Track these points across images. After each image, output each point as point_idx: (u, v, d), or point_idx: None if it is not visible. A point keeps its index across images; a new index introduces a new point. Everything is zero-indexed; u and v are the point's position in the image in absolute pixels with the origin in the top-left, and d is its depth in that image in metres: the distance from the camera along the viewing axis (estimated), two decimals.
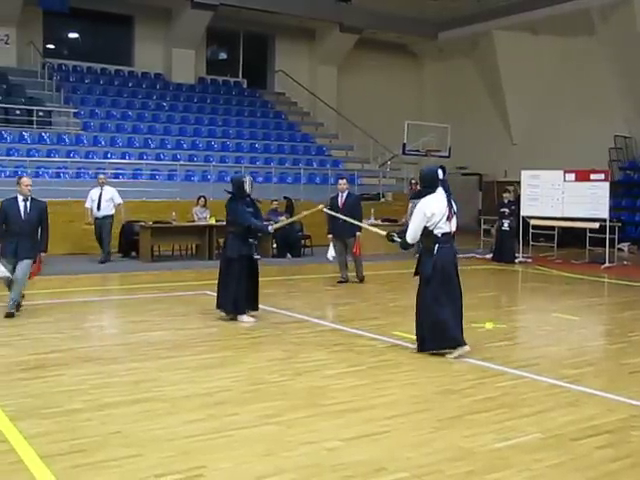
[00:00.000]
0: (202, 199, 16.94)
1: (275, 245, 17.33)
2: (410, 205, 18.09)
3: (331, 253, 12.83)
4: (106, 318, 9.30)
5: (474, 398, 5.94)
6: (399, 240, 7.88)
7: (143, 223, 15.89)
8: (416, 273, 7.56)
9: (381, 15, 27.19)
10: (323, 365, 6.96)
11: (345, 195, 12.95)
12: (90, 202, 15.51)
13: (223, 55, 29.58)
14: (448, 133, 23.81)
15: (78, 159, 19.32)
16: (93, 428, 5.05)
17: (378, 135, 25.20)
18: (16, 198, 9.23)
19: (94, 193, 15.53)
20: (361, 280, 12.99)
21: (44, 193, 16.86)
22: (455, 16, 27.22)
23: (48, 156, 19.07)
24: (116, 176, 18.95)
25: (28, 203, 9.22)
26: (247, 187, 9.21)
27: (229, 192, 9.36)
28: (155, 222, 15.98)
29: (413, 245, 7.86)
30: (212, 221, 16.08)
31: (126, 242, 16.56)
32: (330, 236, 12.90)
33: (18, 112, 19.96)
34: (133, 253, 16.34)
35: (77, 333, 8.31)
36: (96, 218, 15.42)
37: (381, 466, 4.46)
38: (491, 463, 4.56)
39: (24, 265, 9.06)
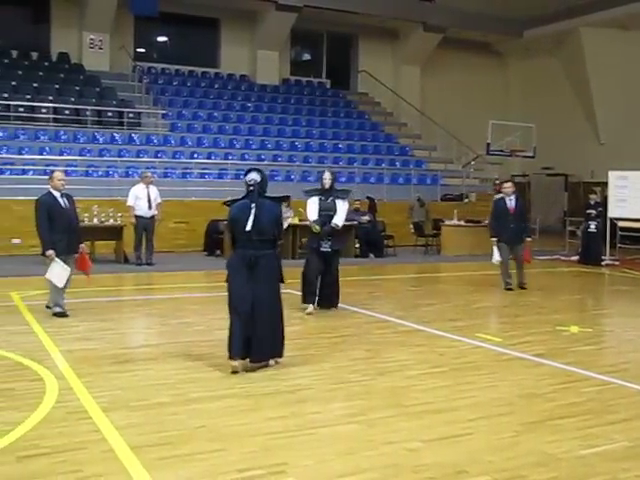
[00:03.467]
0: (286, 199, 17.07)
1: (358, 245, 17.37)
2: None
3: (496, 257, 12.08)
4: (192, 315, 9.50)
5: (558, 403, 5.84)
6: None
7: (227, 222, 16.12)
8: None
9: (465, 14, 26.94)
10: (405, 365, 6.96)
11: (514, 198, 12.24)
12: (134, 200, 14.61)
13: (307, 56, 29.81)
14: (533, 133, 23.39)
15: (166, 159, 19.83)
16: (179, 422, 5.19)
17: (461, 135, 24.96)
18: (51, 193, 9.03)
19: (139, 191, 14.66)
20: (523, 287, 12.23)
21: None
22: (541, 13, 26.71)
23: (137, 156, 19.63)
24: (202, 176, 19.38)
25: (64, 198, 9.10)
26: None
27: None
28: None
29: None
30: (295, 220, 16.22)
31: (211, 240, 16.88)
32: (494, 239, 12.19)
33: (110, 114, 20.63)
34: (217, 251, 16.64)
35: (165, 329, 8.53)
36: (141, 217, 14.57)
37: (462, 469, 4.44)
38: (576, 470, 4.48)
39: (72, 260, 9.07)
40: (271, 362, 6.74)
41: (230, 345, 6.52)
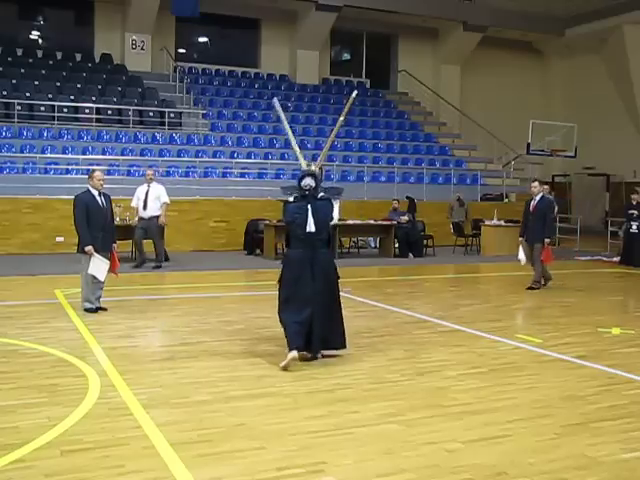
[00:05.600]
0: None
1: (397, 245, 17.34)
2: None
3: (521, 256, 12.21)
4: (232, 313, 9.56)
5: (599, 405, 5.77)
6: None
7: (267, 221, 16.22)
8: None
9: (506, 12, 26.76)
10: (444, 366, 6.94)
11: (538, 198, 12.19)
12: (136, 201, 14.06)
13: (346, 56, 29.83)
14: (574, 132, 23.11)
15: (206, 159, 19.99)
16: (219, 419, 5.24)
17: (502, 135, 24.77)
18: (89, 192, 9.19)
19: (140, 191, 14.04)
20: (531, 286, 12.15)
21: (174, 192, 17.66)
22: (583, 11, 26.41)
23: (178, 156, 19.83)
24: (242, 175, 19.51)
25: (102, 196, 9.26)
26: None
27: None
28: (279, 220, 16.29)
29: None
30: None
31: (251, 240, 16.97)
32: (521, 239, 12.33)
33: (151, 114, 20.88)
34: (257, 250, 16.74)
35: (205, 327, 8.60)
36: (141, 218, 13.92)
37: (502, 470, 4.42)
38: (618, 474, 4.42)
39: (106, 258, 9.20)
40: (323, 353, 7.06)
41: (292, 337, 6.75)
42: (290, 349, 6.71)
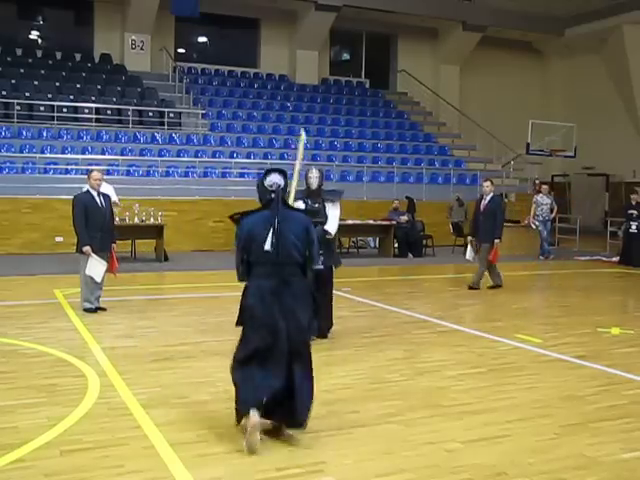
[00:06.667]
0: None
1: (396, 245, 17.35)
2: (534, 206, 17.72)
3: (470, 254, 12.36)
4: (231, 313, 9.52)
5: (598, 405, 5.77)
6: None
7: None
8: None
9: (505, 12, 26.78)
10: (443, 366, 6.94)
11: (489, 198, 12.19)
12: None
13: (346, 56, 29.84)
14: (574, 132, 23.11)
15: (205, 159, 19.98)
16: (218, 420, 5.23)
17: (501, 135, 24.77)
18: (88, 192, 9.23)
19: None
20: (495, 287, 12.19)
21: (173, 192, 17.69)
22: (583, 11, 26.42)
23: (178, 156, 19.83)
24: (241, 175, 19.50)
25: (101, 197, 9.27)
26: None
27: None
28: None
29: None
30: None
31: None
32: (470, 238, 12.46)
33: (151, 114, 20.87)
34: None
35: (204, 327, 8.60)
36: None
37: (501, 470, 4.42)
38: (618, 474, 4.43)
39: (105, 258, 9.21)
40: None
41: (243, 397, 4.81)
42: (242, 410, 4.76)
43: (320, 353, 7.31)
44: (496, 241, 11.94)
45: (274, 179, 5.04)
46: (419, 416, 5.41)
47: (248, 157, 20.65)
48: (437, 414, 5.47)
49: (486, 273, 12.18)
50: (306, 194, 7.95)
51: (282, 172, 5.11)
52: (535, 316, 10.28)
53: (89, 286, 9.20)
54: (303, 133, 5.99)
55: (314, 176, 8.00)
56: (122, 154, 18.98)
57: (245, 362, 4.86)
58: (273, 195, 4.98)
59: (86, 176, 9.61)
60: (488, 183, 12.33)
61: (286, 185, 5.11)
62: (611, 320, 9.50)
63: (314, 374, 4.97)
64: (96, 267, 9.08)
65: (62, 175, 17.43)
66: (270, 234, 4.86)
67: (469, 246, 12.43)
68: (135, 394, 5.77)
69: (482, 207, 12.16)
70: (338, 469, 4.41)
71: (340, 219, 8.26)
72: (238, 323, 5.03)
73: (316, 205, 7.94)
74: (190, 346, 7.57)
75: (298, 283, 4.93)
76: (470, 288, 12.04)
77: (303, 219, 5.09)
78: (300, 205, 7.61)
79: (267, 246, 4.85)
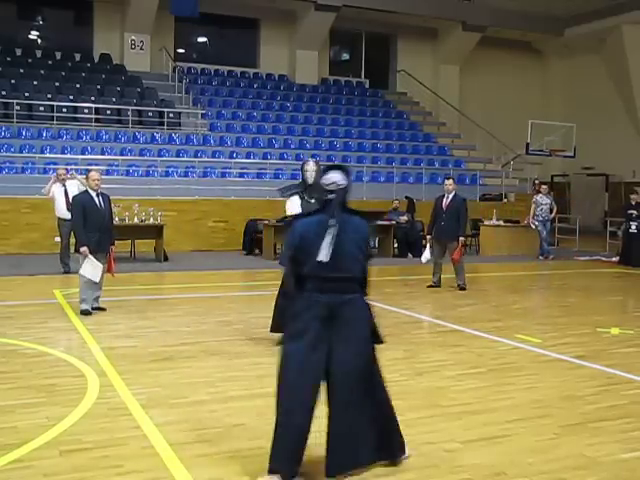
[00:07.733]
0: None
1: (396, 245, 17.35)
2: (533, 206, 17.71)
3: (426, 256, 12.22)
4: (231, 313, 9.55)
5: (598, 405, 5.77)
6: None
7: (266, 221, 16.20)
8: None
9: (505, 12, 26.78)
10: (443, 366, 6.93)
11: (451, 196, 12.17)
12: (52, 195, 13.03)
13: (345, 56, 29.84)
14: (573, 132, 23.11)
15: (205, 159, 19.99)
16: (218, 420, 5.23)
17: (501, 135, 24.78)
18: (87, 192, 9.24)
19: (57, 192, 12.94)
20: (462, 289, 11.99)
21: (173, 192, 17.69)
22: (582, 11, 26.43)
23: (177, 156, 19.84)
24: (241, 175, 19.52)
25: (100, 197, 9.24)
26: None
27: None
28: (278, 220, 16.29)
29: None
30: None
31: (250, 240, 16.97)
32: (429, 237, 12.45)
33: (150, 114, 20.88)
34: (256, 250, 16.73)
35: (204, 327, 8.60)
36: (62, 219, 12.80)
37: (501, 470, 4.42)
38: (617, 474, 4.42)
39: (103, 259, 9.22)
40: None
41: (277, 452, 4.21)
42: (270, 470, 4.16)
43: None
44: (461, 239, 11.98)
45: (334, 177, 4.30)
46: (418, 416, 5.40)
47: (248, 157, 20.66)
48: (436, 414, 5.46)
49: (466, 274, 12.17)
50: (302, 188, 7.38)
51: (345, 170, 4.38)
52: (535, 316, 10.27)
53: (89, 286, 9.17)
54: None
55: (311, 169, 7.30)
56: (122, 154, 18.98)
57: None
58: (331, 196, 4.27)
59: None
60: (451, 181, 12.39)
61: (348, 186, 4.34)
62: (611, 320, 9.50)
63: None
64: (93, 268, 9.03)
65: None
66: (327, 242, 4.15)
67: (427, 247, 12.34)
68: (134, 394, 5.76)
69: (444, 206, 12.16)
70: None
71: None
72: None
73: (313, 201, 7.03)
74: (190, 346, 7.57)
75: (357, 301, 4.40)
76: (461, 289, 12.01)
77: (365, 227, 4.40)
78: (296, 200, 7.26)
79: (322, 256, 4.16)
